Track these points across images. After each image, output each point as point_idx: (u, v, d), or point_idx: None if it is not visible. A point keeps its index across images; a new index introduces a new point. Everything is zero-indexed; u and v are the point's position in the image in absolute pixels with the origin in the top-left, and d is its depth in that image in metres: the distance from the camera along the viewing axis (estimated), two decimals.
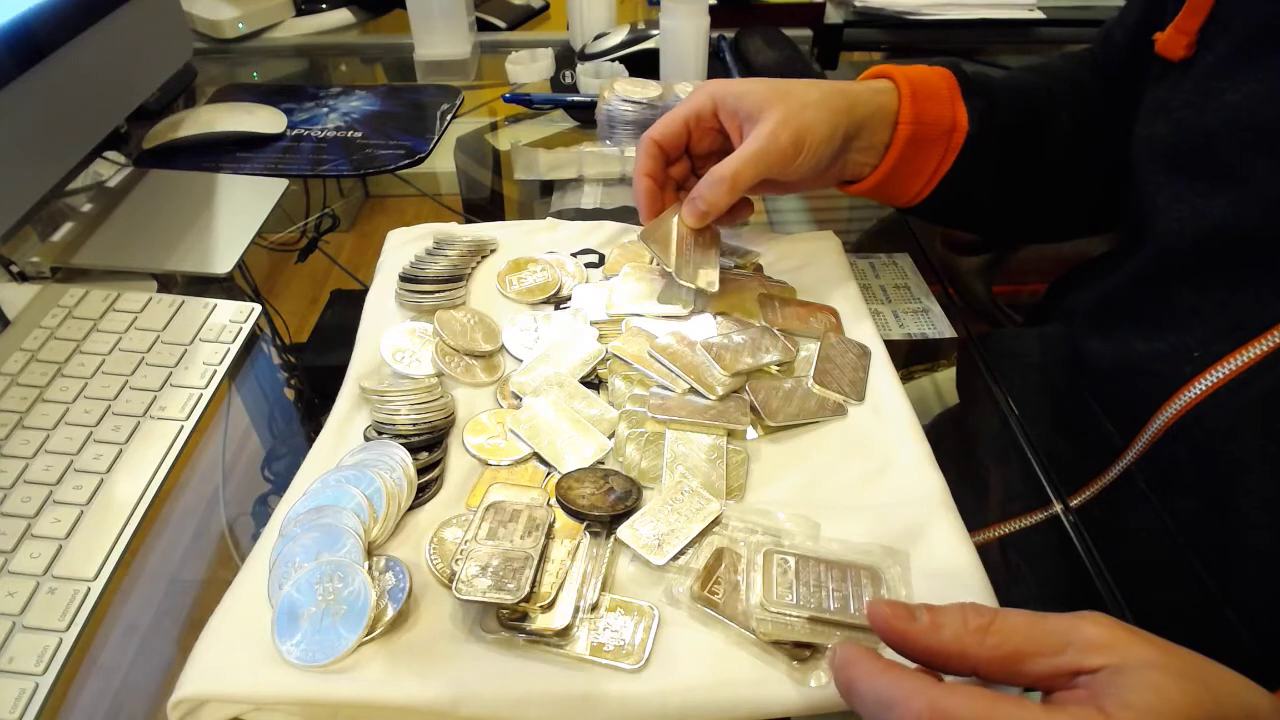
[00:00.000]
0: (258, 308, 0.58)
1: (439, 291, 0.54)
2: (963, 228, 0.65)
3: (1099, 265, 0.57)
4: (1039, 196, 0.58)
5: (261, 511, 0.46)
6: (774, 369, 0.50)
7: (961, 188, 0.55)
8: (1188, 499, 0.45)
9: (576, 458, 0.45)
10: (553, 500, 0.42)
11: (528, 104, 0.85)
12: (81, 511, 0.44)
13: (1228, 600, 0.42)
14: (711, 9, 0.81)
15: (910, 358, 0.57)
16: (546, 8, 1.12)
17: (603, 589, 0.38)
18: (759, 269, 0.59)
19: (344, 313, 0.57)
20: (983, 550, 0.41)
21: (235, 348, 0.54)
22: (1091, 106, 0.56)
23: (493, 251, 0.60)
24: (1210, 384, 0.42)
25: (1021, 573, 0.46)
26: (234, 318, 0.57)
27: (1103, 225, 0.62)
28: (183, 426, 0.49)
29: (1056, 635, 0.28)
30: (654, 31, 0.86)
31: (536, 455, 0.45)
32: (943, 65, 0.55)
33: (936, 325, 0.59)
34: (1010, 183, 0.56)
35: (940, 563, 0.40)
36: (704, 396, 0.47)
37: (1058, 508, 0.48)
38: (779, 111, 0.49)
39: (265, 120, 0.80)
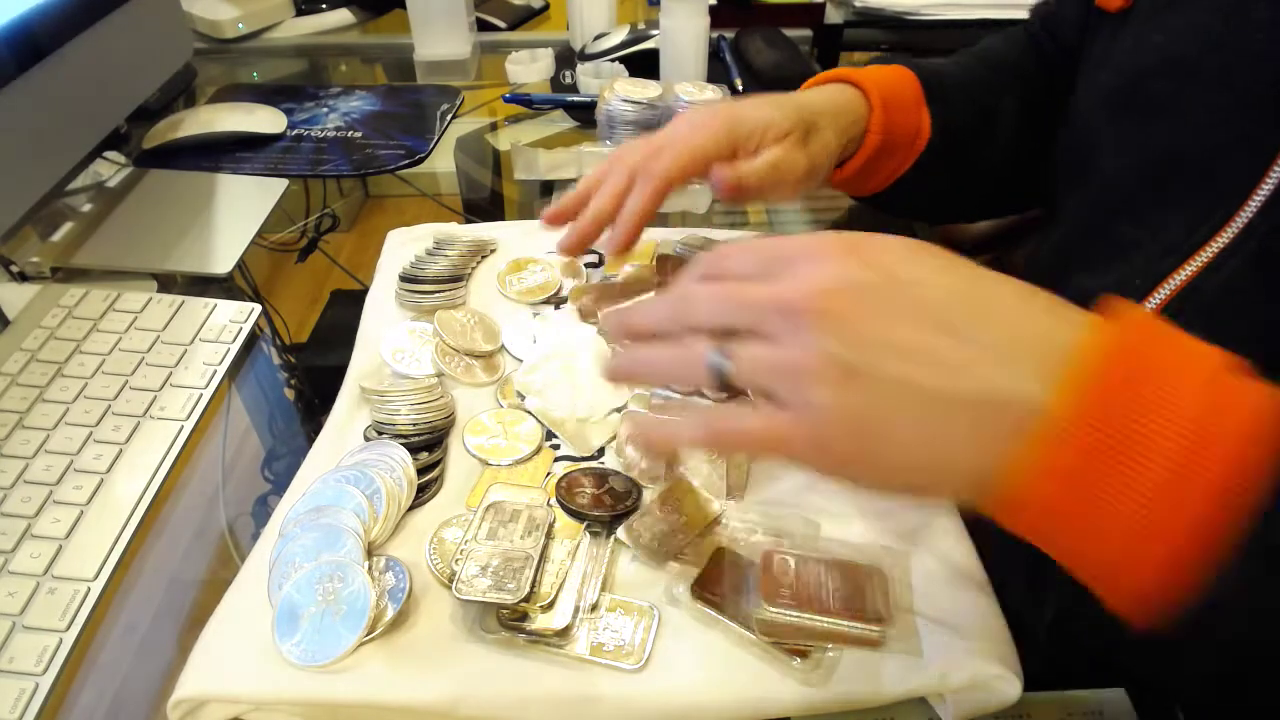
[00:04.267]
0: (258, 308, 0.58)
1: (439, 291, 0.54)
2: (912, 216, 0.68)
3: (1048, 219, 0.59)
4: (987, 182, 0.60)
5: (261, 511, 0.46)
6: None
7: (915, 184, 0.56)
8: None
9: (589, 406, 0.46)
10: (553, 500, 0.42)
11: (528, 104, 0.85)
12: (81, 511, 0.44)
13: None
14: (711, 9, 0.81)
15: None
16: (546, 8, 1.12)
17: (603, 589, 0.38)
18: None
19: (344, 313, 0.57)
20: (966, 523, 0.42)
21: (235, 348, 0.54)
22: (1034, 89, 0.58)
23: (493, 251, 0.60)
24: (1152, 309, 0.44)
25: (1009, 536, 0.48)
26: (234, 318, 0.57)
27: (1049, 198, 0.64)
28: (183, 426, 0.49)
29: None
30: (654, 31, 0.86)
31: (543, 434, 0.45)
32: (902, 64, 0.56)
33: None
34: (961, 174, 0.58)
35: (940, 563, 0.40)
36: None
37: None
38: (795, 139, 0.50)
39: (265, 120, 0.80)
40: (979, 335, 0.29)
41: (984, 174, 0.59)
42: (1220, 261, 0.41)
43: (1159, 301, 0.43)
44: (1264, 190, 0.39)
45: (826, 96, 0.54)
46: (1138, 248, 0.46)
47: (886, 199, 0.58)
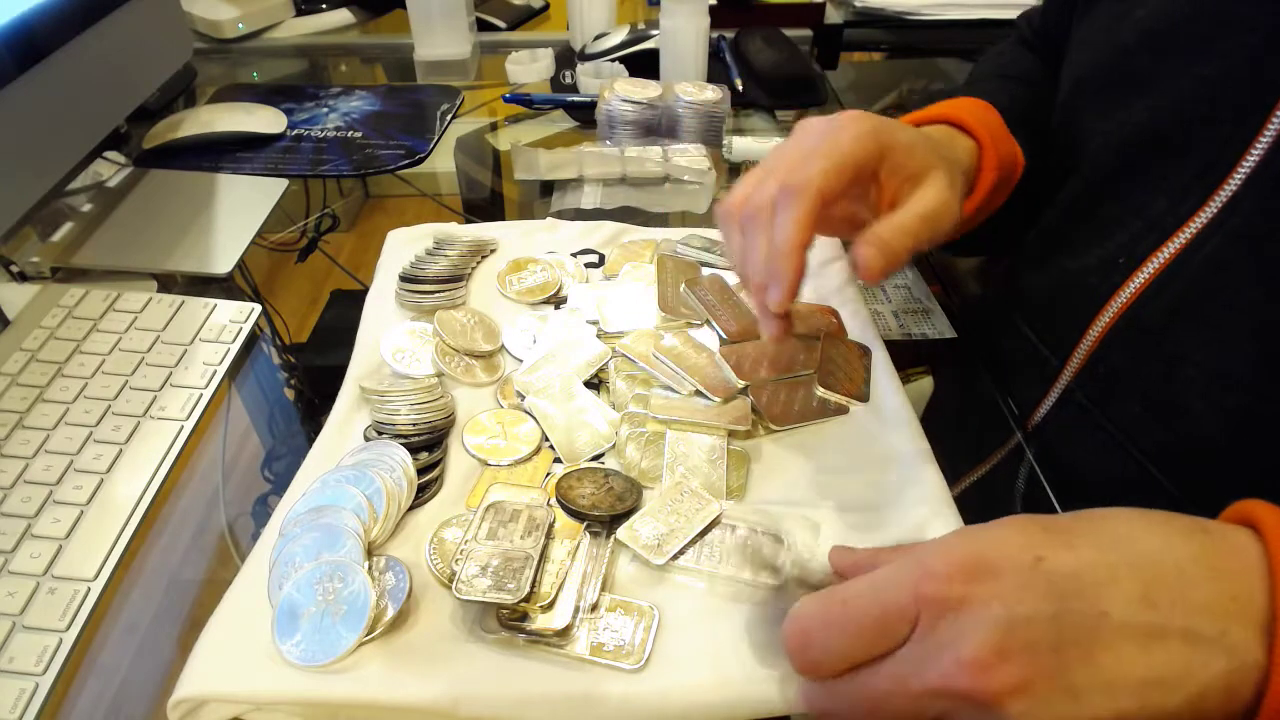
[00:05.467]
0: (258, 308, 0.58)
1: (439, 291, 0.54)
2: (977, 254, 0.65)
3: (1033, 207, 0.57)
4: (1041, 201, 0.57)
5: (261, 511, 0.46)
6: None
7: (1000, 220, 0.53)
8: (1129, 404, 0.46)
9: (588, 432, 0.45)
10: (553, 500, 0.42)
11: (528, 104, 0.85)
12: (81, 511, 0.44)
13: (1189, 500, 0.43)
14: (711, 9, 0.81)
15: (910, 358, 0.57)
16: (546, 8, 1.12)
17: (603, 589, 0.38)
18: None
19: (344, 313, 0.57)
20: (966, 499, 0.43)
21: (235, 348, 0.54)
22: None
23: (493, 251, 0.60)
24: (1137, 287, 0.44)
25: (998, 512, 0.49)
26: (234, 318, 0.57)
27: None
28: (183, 426, 0.49)
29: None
30: (654, 31, 0.86)
31: (542, 434, 0.46)
32: (970, 95, 0.53)
33: (936, 325, 0.59)
34: (1033, 199, 0.55)
35: None
36: (707, 398, 0.47)
37: (1018, 437, 0.50)
38: (944, 177, 0.42)
39: (265, 120, 0.80)
40: (1171, 620, 0.27)
41: (1043, 193, 0.55)
42: (1203, 238, 0.41)
43: (1143, 280, 0.43)
44: (1248, 163, 0.39)
45: (938, 133, 0.48)
46: (1120, 226, 0.45)
47: (964, 241, 0.53)
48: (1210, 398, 0.42)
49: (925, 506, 0.42)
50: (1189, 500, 0.43)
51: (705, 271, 0.56)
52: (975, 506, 0.44)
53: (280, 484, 0.45)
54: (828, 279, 0.57)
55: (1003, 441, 0.51)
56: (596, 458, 0.45)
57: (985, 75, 0.60)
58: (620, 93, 0.76)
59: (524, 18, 1.08)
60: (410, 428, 0.45)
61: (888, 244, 0.39)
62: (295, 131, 0.81)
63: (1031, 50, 0.61)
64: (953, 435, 0.51)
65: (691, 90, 0.77)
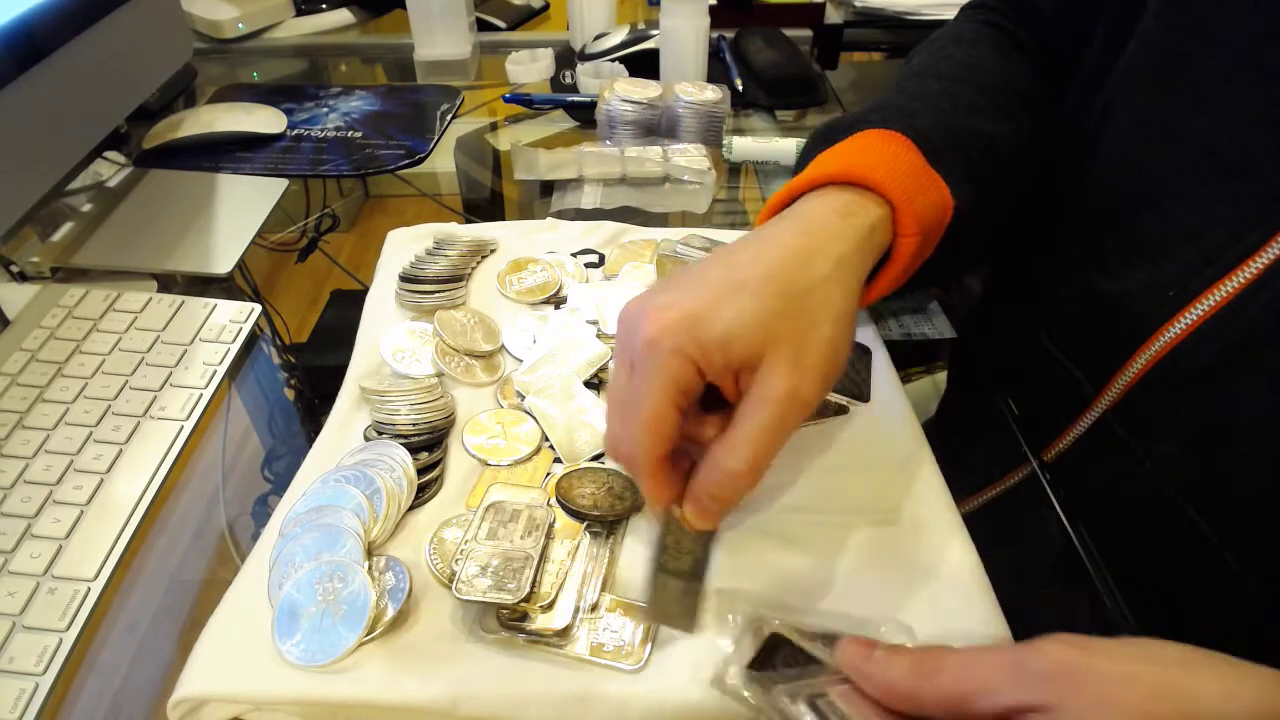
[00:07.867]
0: (258, 308, 0.58)
1: (439, 291, 0.54)
2: (926, 288, 0.61)
3: (1044, 207, 0.51)
4: (1009, 215, 0.50)
5: (261, 511, 0.46)
6: None
7: (942, 259, 0.44)
8: (1170, 442, 0.42)
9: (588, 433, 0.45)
10: (553, 500, 0.42)
11: (528, 104, 0.85)
12: (81, 511, 0.44)
13: (1224, 541, 0.40)
14: (711, 9, 0.81)
15: (910, 358, 0.57)
16: (546, 8, 1.12)
17: (603, 589, 0.38)
18: None
19: (344, 313, 0.57)
20: (971, 519, 0.42)
21: (235, 348, 0.54)
22: (1038, 98, 0.50)
23: (493, 251, 0.60)
24: (1190, 323, 0.40)
25: (1010, 536, 0.46)
26: (234, 318, 0.57)
27: None
28: (183, 426, 0.49)
29: (1004, 670, 0.28)
30: (654, 31, 0.86)
31: (542, 434, 0.46)
32: (879, 120, 0.43)
33: (936, 325, 0.59)
34: (986, 225, 0.47)
35: (941, 565, 0.40)
36: None
37: (1033, 464, 0.48)
38: (788, 351, 0.34)
39: (265, 120, 0.80)
40: None
41: (1006, 210, 0.48)
42: (1270, 277, 0.37)
43: (1197, 317, 0.39)
44: None
45: (846, 247, 0.37)
46: (1168, 251, 0.41)
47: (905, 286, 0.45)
48: (1258, 441, 0.39)
49: (925, 507, 0.42)
50: (1226, 544, 0.41)
51: None
52: (988, 527, 0.42)
53: (280, 484, 0.45)
54: None
55: (1018, 462, 0.48)
56: (596, 458, 0.45)
57: (927, 73, 0.51)
58: (620, 93, 0.76)
59: (524, 18, 1.08)
60: (410, 428, 0.45)
61: (718, 499, 0.35)
62: (295, 131, 0.81)
63: (1009, 32, 0.53)
64: (966, 450, 0.48)
65: (691, 90, 0.77)
